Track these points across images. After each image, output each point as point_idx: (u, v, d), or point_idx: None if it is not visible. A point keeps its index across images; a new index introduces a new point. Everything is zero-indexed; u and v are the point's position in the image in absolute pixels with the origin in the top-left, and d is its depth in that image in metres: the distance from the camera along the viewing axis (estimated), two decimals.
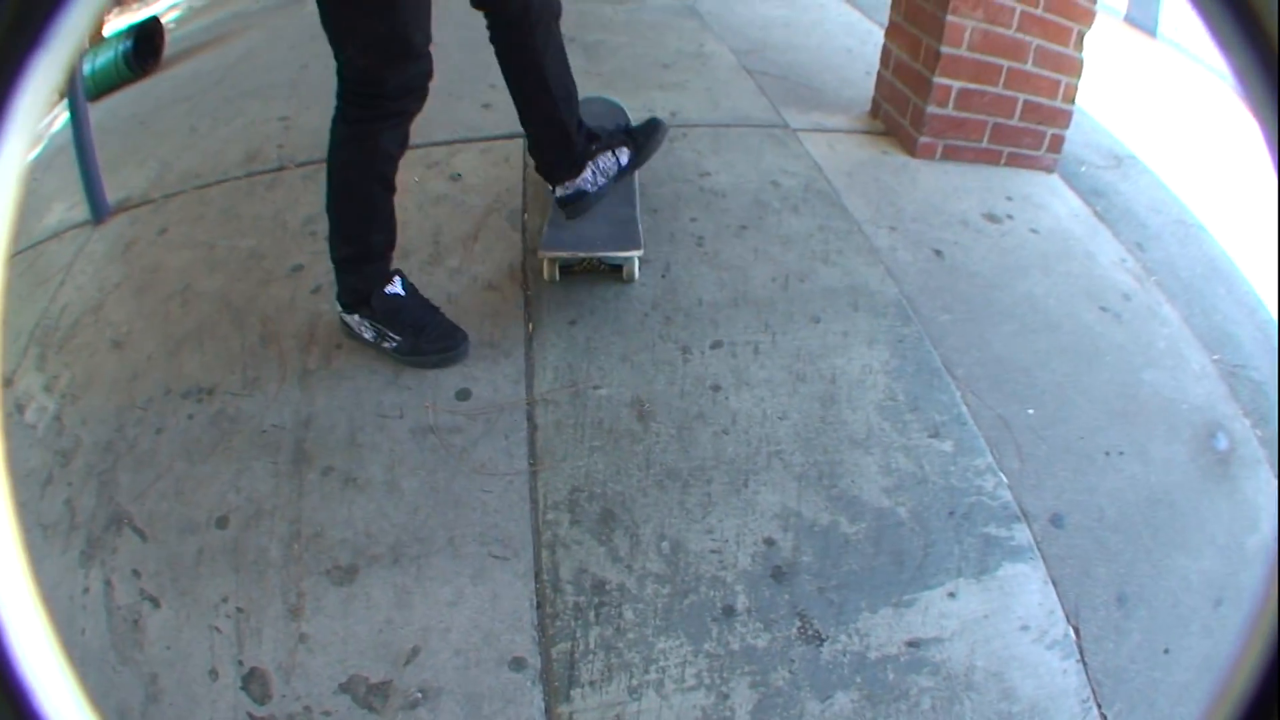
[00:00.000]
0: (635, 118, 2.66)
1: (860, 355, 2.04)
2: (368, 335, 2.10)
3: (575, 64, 2.26)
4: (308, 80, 3.94)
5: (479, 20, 2.10)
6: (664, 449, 1.80)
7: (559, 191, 2.33)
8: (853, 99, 3.42)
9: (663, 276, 2.30)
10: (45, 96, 0.43)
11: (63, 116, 3.84)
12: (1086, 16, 2.88)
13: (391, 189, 2.05)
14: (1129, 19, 12.05)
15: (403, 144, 2.02)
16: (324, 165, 2.05)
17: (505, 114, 3.25)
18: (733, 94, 3.47)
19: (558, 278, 2.23)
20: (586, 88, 3.57)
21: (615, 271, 2.24)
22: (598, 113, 2.81)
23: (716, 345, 2.06)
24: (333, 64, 1.89)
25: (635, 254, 2.21)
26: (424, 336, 2.08)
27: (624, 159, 2.38)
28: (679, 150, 2.95)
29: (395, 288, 2.10)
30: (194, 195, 2.97)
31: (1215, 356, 2.27)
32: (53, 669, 0.45)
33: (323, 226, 2.56)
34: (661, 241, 2.43)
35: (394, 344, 2.07)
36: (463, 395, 1.94)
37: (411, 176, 2.51)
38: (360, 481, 1.78)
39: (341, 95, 1.93)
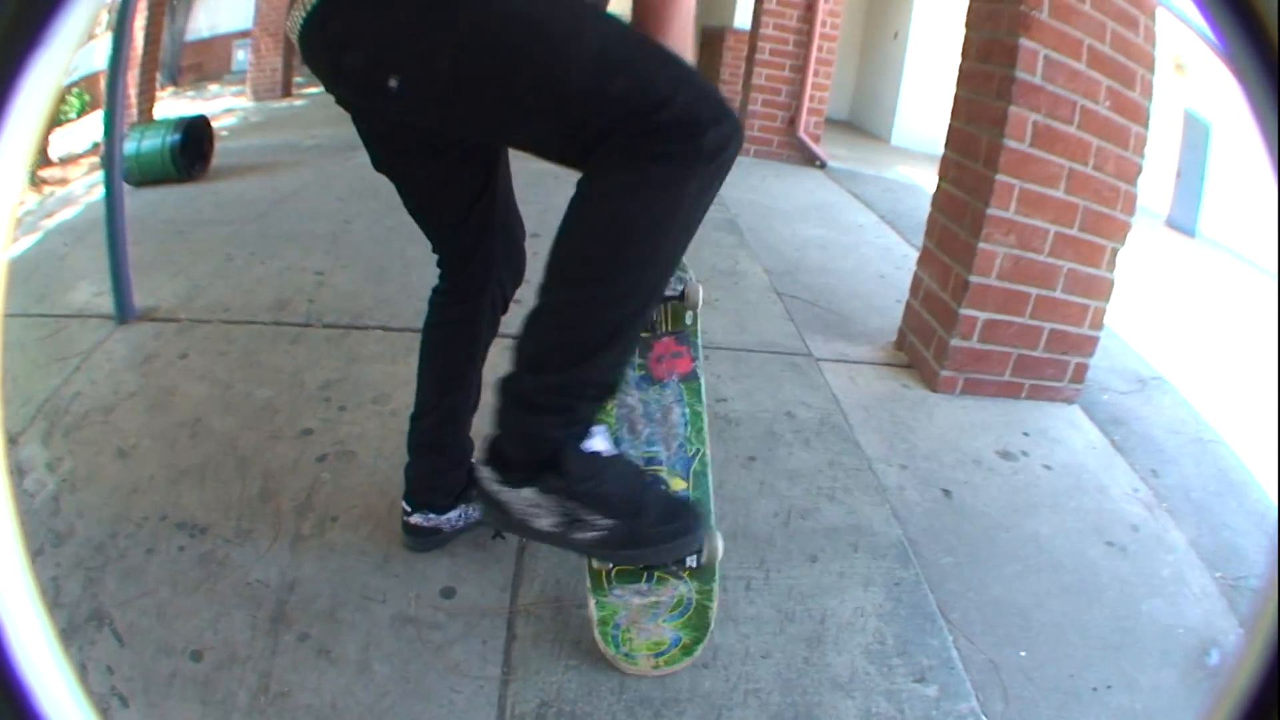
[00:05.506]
0: None
1: (854, 597, 2.11)
2: None
3: None
4: (349, 239, 4.14)
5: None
6: (640, 676, 1.85)
7: (416, 517, 2.07)
8: (880, 328, 3.59)
9: None
10: (45, 96, 0.47)
11: (99, 190, 4.06)
12: (1122, 231, 2.95)
13: None
14: (1169, 221, 12.38)
15: None
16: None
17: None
18: (760, 317, 3.63)
19: None
20: None
21: None
22: None
23: None
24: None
25: None
26: None
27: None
28: None
29: None
30: (220, 329, 3.15)
31: (1219, 574, 2.33)
32: (53, 669, 0.49)
33: (337, 394, 2.72)
34: None
35: None
36: (448, 593, 2.02)
37: None
38: (334, 655, 1.85)
39: None
